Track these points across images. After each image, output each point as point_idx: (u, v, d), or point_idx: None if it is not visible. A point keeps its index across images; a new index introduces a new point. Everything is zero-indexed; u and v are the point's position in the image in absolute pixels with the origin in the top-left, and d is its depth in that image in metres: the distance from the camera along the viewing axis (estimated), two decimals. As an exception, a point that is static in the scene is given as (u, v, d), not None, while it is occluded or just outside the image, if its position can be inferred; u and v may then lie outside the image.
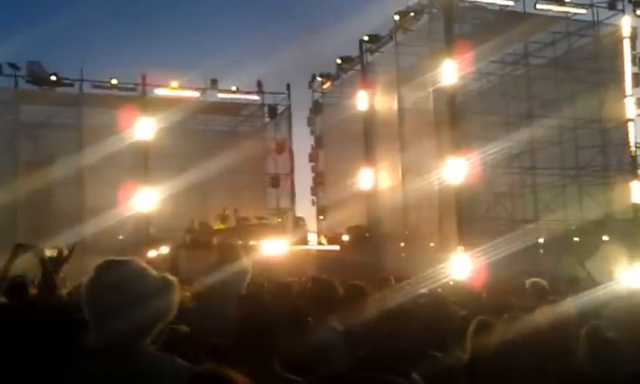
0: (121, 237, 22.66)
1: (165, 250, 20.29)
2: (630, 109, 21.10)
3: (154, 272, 2.45)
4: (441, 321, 5.10)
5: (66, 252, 10.33)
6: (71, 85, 25.18)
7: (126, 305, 2.29)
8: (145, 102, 24.34)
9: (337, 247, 19.75)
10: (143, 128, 23.57)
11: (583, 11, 21.97)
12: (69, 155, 23.69)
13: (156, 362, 2.30)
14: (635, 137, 21.65)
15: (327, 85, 27.26)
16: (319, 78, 26.80)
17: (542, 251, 19.03)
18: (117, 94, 24.97)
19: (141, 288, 2.35)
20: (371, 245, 19.73)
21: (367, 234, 20.66)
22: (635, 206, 20.77)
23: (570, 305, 5.35)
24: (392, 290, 7.74)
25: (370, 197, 22.89)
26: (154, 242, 21.12)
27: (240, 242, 16.62)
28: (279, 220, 23.56)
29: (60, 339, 3.54)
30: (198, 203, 24.48)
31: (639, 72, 21.42)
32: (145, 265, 2.46)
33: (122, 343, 2.30)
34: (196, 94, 26.32)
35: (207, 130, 28.20)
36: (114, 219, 21.83)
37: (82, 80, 25.04)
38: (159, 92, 25.45)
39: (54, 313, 4.06)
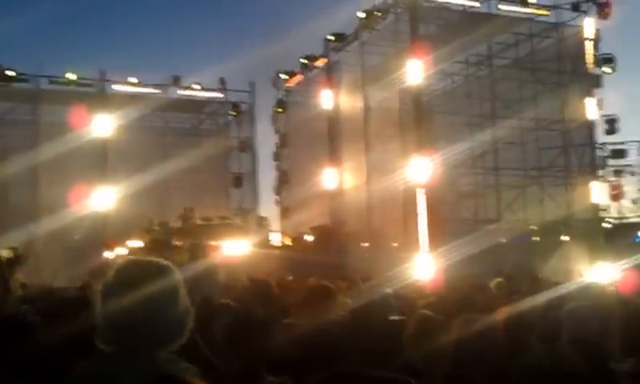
0: (77, 237, 22.21)
1: (122, 250, 19.96)
2: (591, 110, 21.45)
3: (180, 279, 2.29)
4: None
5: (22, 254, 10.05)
6: (27, 80, 24.65)
7: (150, 314, 2.16)
8: (103, 99, 23.91)
9: (300, 247, 19.67)
10: (101, 125, 23.14)
11: (547, 13, 22.28)
12: (24, 152, 23.22)
13: (162, 367, 2.16)
14: (597, 138, 22.10)
15: (291, 82, 27.13)
16: (283, 76, 26.62)
17: (504, 251, 19.26)
18: (75, 90, 24.45)
19: (169, 297, 2.22)
20: (335, 245, 19.73)
21: (331, 234, 20.62)
22: (595, 206, 21.19)
23: (532, 303, 5.40)
24: (357, 290, 7.74)
25: (335, 196, 22.87)
26: (111, 243, 20.76)
27: (210, 243, 16.56)
28: (242, 220, 23.38)
29: (8, 346, 3.41)
30: (158, 203, 24.16)
31: (601, 73, 21.77)
32: (178, 275, 2.29)
33: (136, 350, 2.18)
34: (157, 91, 25.95)
35: (168, 127, 27.83)
36: (69, 218, 21.46)
37: (39, 76, 24.57)
38: (118, 88, 25.01)
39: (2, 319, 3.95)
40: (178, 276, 2.29)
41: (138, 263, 2.30)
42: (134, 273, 2.23)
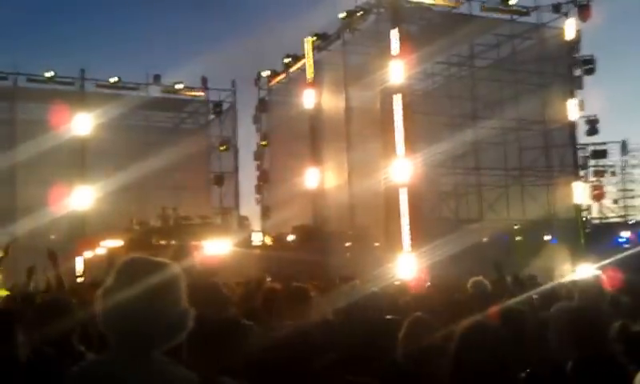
0: (52, 236, 21.80)
1: (101, 250, 19.58)
2: (572, 110, 21.41)
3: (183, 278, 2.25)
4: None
5: (1, 253, 9.94)
6: (5, 78, 24.21)
7: (153, 314, 2.12)
8: (83, 97, 23.52)
9: (282, 247, 19.41)
10: (81, 124, 22.73)
11: (527, 15, 22.23)
12: (1, 151, 22.87)
13: (163, 371, 2.14)
14: (578, 138, 22.06)
15: (274, 82, 26.90)
16: (265, 74, 26.36)
17: (486, 251, 19.16)
18: (54, 88, 24.07)
19: (172, 298, 2.17)
20: (317, 244, 19.49)
21: (313, 234, 20.37)
22: (577, 206, 21.14)
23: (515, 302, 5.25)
24: (338, 290, 7.56)
25: (316, 196, 22.64)
26: (87, 243, 20.37)
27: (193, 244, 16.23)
28: (223, 220, 23.10)
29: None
30: (138, 202, 23.86)
31: (582, 74, 21.74)
32: (179, 271, 2.25)
33: (135, 349, 2.12)
34: (137, 90, 25.61)
35: (149, 126, 27.42)
36: (48, 218, 21.13)
37: (17, 73, 24.13)
38: (99, 87, 24.64)
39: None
40: (181, 275, 2.24)
41: (141, 261, 2.24)
42: (137, 271, 2.18)
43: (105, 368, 2.15)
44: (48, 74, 23.84)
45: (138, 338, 2.12)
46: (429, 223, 19.26)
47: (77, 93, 23.87)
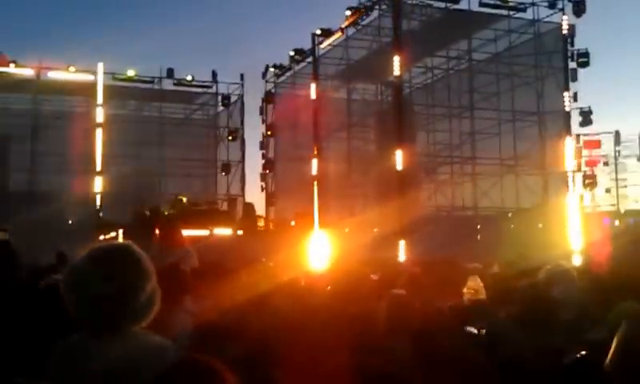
0: (70, 221, 21.63)
1: (114, 234, 19.18)
2: (566, 102, 20.73)
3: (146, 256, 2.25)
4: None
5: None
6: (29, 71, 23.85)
7: (119, 291, 2.13)
8: (101, 89, 23.17)
9: (282, 232, 18.96)
10: (98, 114, 22.50)
11: (524, 11, 21.59)
12: (24, 140, 23.01)
13: (137, 343, 2.14)
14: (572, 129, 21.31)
15: (280, 75, 26.42)
16: (272, 69, 25.92)
17: (479, 237, 18.62)
18: (73, 79, 23.74)
19: (136, 273, 2.19)
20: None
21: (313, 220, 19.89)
22: (570, 195, 20.42)
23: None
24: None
25: (318, 184, 22.17)
26: (104, 227, 20.04)
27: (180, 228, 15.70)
28: (229, 206, 22.74)
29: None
30: (150, 189, 23.69)
31: (576, 67, 21.02)
32: (139, 250, 2.25)
33: (109, 326, 2.14)
34: (152, 83, 25.29)
35: (161, 117, 27.08)
36: (65, 203, 21.05)
37: (39, 67, 23.78)
38: (115, 79, 24.28)
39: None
40: (144, 256, 2.24)
41: (105, 247, 2.27)
42: (102, 256, 2.20)
43: (82, 345, 2.15)
44: (70, 69, 23.54)
45: (108, 319, 2.12)
46: (425, 210, 18.81)
47: (95, 85, 23.55)
